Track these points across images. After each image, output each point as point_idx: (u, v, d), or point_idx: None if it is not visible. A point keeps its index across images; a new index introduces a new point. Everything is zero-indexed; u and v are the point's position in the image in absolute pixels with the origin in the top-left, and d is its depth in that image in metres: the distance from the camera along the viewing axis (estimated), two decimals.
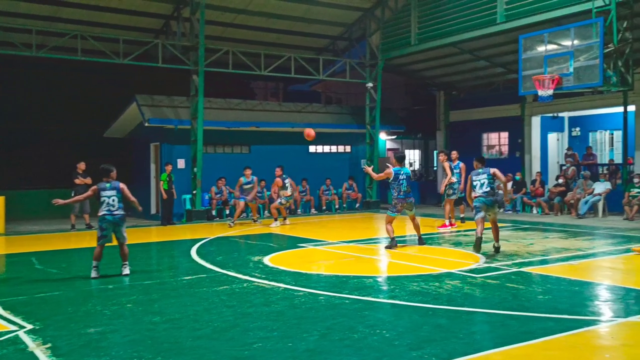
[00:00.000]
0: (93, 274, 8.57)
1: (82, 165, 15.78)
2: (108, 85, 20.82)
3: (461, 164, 14.50)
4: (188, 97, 17.91)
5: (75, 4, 16.66)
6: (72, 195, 15.33)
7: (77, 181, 15.52)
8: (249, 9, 18.37)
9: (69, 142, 20.48)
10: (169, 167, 16.72)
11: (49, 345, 5.35)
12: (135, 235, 14.50)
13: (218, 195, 18.08)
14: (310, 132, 13.26)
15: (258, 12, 18.65)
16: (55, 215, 17.74)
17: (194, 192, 17.40)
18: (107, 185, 8.79)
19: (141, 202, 18.87)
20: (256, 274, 8.64)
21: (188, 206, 17.73)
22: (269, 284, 7.91)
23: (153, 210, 18.80)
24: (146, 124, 17.61)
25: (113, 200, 8.71)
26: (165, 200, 16.63)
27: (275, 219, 15.70)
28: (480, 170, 10.16)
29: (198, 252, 11.02)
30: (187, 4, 17.30)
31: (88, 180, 15.47)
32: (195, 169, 17.32)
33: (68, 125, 20.84)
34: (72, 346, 5.32)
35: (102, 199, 8.68)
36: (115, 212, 8.69)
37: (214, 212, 17.91)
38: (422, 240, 11.36)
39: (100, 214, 8.67)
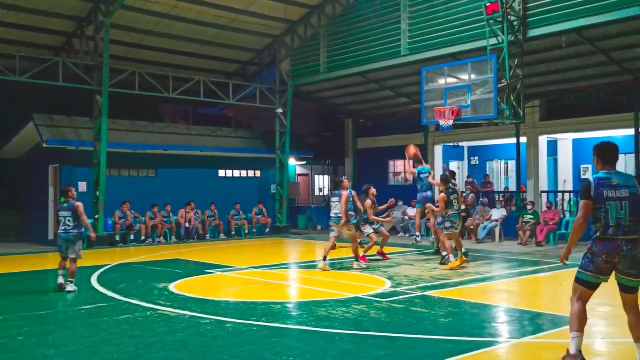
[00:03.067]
0: (60, 280, 9.26)
1: None
2: (3, 104, 19.61)
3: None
4: (91, 117, 17.24)
5: None
6: None
7: None
8: (156, 30, 18.07)
9: None
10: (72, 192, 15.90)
11: None
12: (31, 262, 13.66)
13: (122, 220, 17.40)
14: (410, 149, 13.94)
15: (166, 34, 18.38)
16: None
17: (97, 216, 16.63)
18: (65, 205, 9.36)
19: (38, 226, 18.12)
20: (161, 302, 8.36)
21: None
22: (174, 312, 7.68)
23: (51, 236, 17.76)
24: (44, 145, 16.73)
25: (68, 220, 9.26)
26: None
27: None
28: (335, 192, 11.83)
29: (99, 280, 10.52)
30: (91, 23, 16.76)
31: None
32: (98, 193, 16.59)
33: None
34: None
35: (60, 218, 9.36)
36: (70, 231, 9.25)
37: (117, 238, 17.21)
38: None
39: (58, 232, 9.45)
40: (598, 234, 4.91)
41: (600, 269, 4.89)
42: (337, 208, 11.47)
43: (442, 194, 11.79)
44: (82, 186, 17.30)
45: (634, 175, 5.14)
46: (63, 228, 9.24)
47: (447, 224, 11.55)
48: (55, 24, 16.99)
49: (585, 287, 4.98)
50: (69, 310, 8.11)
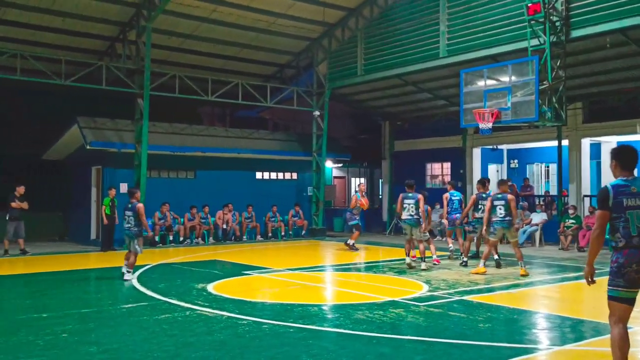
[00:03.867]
0: (123, 269, 10.62)
1: (21, 189, 15.22)
2: (49, 106, 20.20)
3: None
4: (132, 120, 17.60)
5: (16, 22, 16.24)
6: (7, 218, 14.78)
7: (13, 204, 14.92)
8: (196, 34, 18.35)
9: (6, 163, 19.70)
10: (113, 192, 16.30)
11: None
12: (73, 262, 14.02)
13: (162, 221, 17.71)
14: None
15: (205, 38, 18.65)
16: None
17: None
18: (129, 205, 10.59)
19: (81, 226, 18.58)
20: (199, 302, 8.48)
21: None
22: (212, 312, 7.77)
23: (93, 236, 18.21)
24: (88, 147, 17.16)
25: (130, 219, 10.47)
26: (105, 226, 16.17)
27: None
28: (410, 195, 12.11)
29: (139, 279, 10.72)
30: (133, 27, 17.11)
31: (24, 205, 14.97)
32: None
33: (5, 147, 20.06)
34: None
35: (125, 216, 10.60)
36: (132, 229, 10.48)
37: (157, 238, 17.52)
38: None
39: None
40: (620, 244, 4.56)
41: (632, 281, 4.52)
42: (411, 210, 11.91)
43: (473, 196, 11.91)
44: (123, 187, 17.67)
45: None
46: (127, 225, 10.53)
47: (491, 229, 11.41)
48: (99, 29, 17.42)
49: (621, 303, 4.55)
50: (111, 308, 8.29)
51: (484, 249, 11.71)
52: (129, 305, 8.38)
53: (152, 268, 12.47)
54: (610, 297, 4.64)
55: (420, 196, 12.02)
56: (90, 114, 18.26)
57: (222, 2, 16.96)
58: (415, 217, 11.95)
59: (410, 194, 12.14)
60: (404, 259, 12.33)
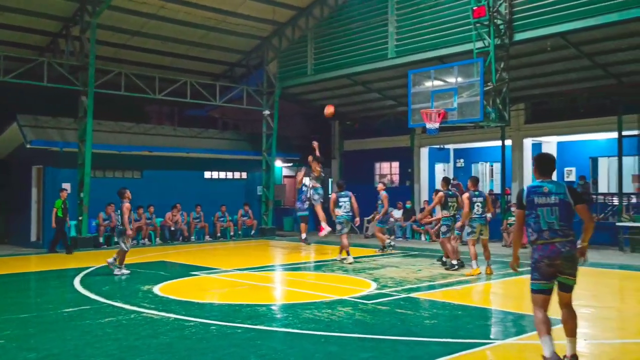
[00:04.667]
0: (109, 259, 11.34)
1: None
2: None
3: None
4: (76, 118, 17.09)
5: None
6: None
7: None
8: (143, 31, 17.97)
9: None
10: (65, 193, 15.68)
11: None
12: (13, 265, 13.50)
13: (106, 222, 17.26)
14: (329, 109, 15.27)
15: (153, 35, 18.29)
16: None
17: (80, 218, 16.49)
18: (120, 204, 11.28)
19: (21, 228, 17.91)
20: (145, 304, 8.30)
21: (73, 233, 16.75)
22: (159, 315, 7.63)
23: (33, 237, 17.58)
24: (28, 146, 16.57)
25: (118, 217, 11.35)
26: (57, 228, 15.54)
27: None
28: (343, 193, 13.17)
29: (82, 282, 10.43)
30: (77, 23, 16.61)
31: None
32: (82, 194, 16.45)
33: None
34: None
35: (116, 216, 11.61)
36: (119, 226, 11.32)
37: (101, 240, 17.07)
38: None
39: None
40: (532, 238, 5.18)
41: (544, 274, 5.11)
42: (347, 206, 13.06)
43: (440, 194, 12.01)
44: (66, 187, 17.15)
45: (563, 183, 5.21)
46: (116, 223, 11.59)
47: (468, 229, 11.23)
48: (41, 24, 16.82)
49: (539, 294, 5.15)
50: (52, 313, 8.02)
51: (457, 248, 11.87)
52: (71, 309, 8.13)
53: (96, 270, 12.13)
54: (531, 290, 5.24)
55: (351, 194, 13.19)
56: (31, 112, 17.64)
57: None
58: (350, 213, 13.11)
59: (343, 193, 13.20)
60: (345, 257, 12.82)
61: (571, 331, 5.10)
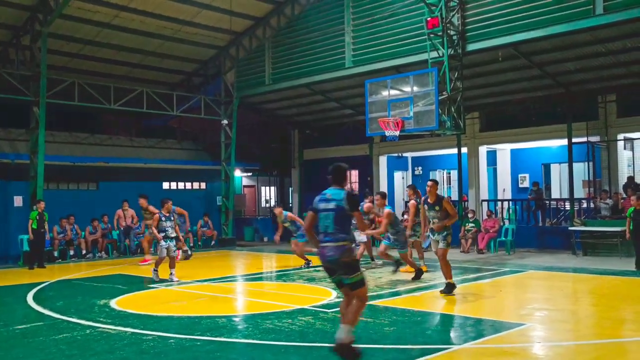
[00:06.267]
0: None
1: None
2: None
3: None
4: (27, 129, 16.64)
5: None
6: None
7: None
8: (97, 40, 17.68)
9: None
10: (42, 205, 14.98)
11: None
12: None
13: (61, 235, 16.81)
14: None
15: (107, 44, 18.01)
16: None
17: None
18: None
19: None
20: (101, 319, 8.12)
21: (25, 247, 16.25)
22: (115, 329, 7.47)
23: None
24: None
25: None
26: (32, 241, 15.02)
27: None
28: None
29: (35, 298, 10.12)
30: (28, 32, 16.21)
31: None
32: (34, 207, 15.96)
33: None
34: None
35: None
36: (170, 235, 12.06)
37: (55, 253, 16.60)
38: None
39: None
40: (318, 238, 5.90)
41: (327, 271, 5.92)
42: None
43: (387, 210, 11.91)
44: (18, 200, 16.69)
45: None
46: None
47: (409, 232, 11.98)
48: None
49: (338, 287, 6.00)
50: (2, 330, 7.75)
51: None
52: (24, 326, 7.88)
53: (50, 285, 11.81)
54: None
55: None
56: None
57: (124, 8, 16.45)
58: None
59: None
60: (315, 268, 12.63)
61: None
